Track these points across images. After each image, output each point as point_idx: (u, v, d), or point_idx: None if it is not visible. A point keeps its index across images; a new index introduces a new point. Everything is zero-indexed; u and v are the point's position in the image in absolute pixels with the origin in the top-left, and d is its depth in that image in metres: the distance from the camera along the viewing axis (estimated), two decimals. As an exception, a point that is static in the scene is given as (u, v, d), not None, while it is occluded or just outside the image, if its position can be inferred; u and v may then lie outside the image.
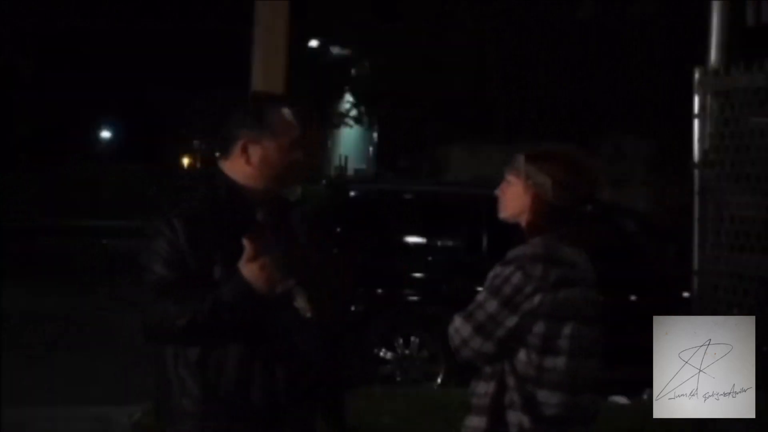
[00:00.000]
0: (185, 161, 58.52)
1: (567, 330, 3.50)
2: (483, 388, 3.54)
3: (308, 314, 3.49)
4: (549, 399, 3.48)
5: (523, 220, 3.61)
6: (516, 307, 3.46)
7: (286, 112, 3.63)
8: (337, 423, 3.77)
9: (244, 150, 3.58)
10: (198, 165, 56.24)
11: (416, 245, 10.46)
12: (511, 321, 3.46)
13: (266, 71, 7.75)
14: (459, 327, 3.52)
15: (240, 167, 3.60)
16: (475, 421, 3.54)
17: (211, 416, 3.51)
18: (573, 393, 3.51)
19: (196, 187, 3.69)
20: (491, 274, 3.54)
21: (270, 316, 3.51)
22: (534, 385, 3.48)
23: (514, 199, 3.63)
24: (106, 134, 60.75)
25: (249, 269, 3.42)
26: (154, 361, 3.64)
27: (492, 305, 3.48)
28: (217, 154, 3.76)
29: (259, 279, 3.42)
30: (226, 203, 3.59)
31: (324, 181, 12.57)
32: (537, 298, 3.46)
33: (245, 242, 3.41)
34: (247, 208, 3.59)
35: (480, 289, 3.57)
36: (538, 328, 3.47)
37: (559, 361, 3.49)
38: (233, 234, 3.51)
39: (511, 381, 3.49)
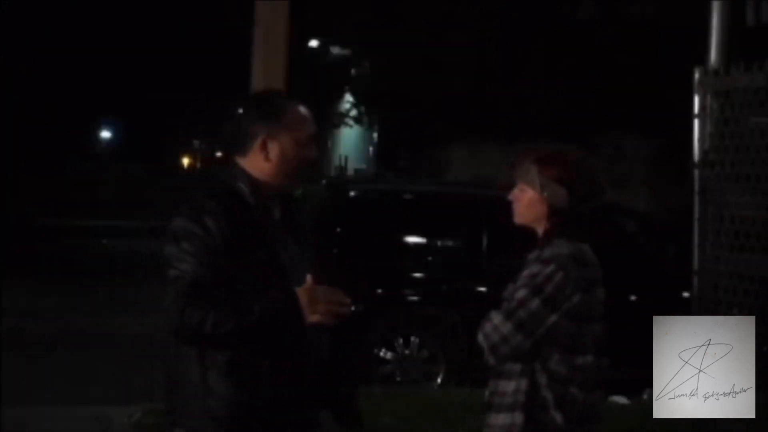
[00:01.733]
0: (185, 161, 58.53)
1: (593, 328, 3.60)
2: (510, 387, 3.58)
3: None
4: (578, 396, 3.56)
5: (540, 228, 3.66)
6: (557, 306, 3.52)
7: (301, 108, 3.65)
8: (352, 420, 3.80)
9: (263, 146, 3.60)
10: (198, 165, 56.25)
11: (416, 245, 10.45)
12: (551, 319, 3.53)
13: (266, 71, 7.74)
14: (498, 324, 3.54)
15: (258, 164, 3.61)
16: (507, 418, 3.58)
17: (235, 417, 3.52)
18: (591, 390, 3.60)
19: (215, 183, 3.70)
20: (527, 272, 3.57)
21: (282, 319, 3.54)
22: (565, 383, 3.55)
23: (529, 208, 3.67)
24: (106, 134, 60.75)
25: (302, 296, 3.47)
26: (165, 361, 3.64)
27: (534, 303, 3.52)
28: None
29: (311, 309, 3.47)
30: (248, 200, 3.61)
31: (324, 181, 12.58)
32: (576, 298, 3.54)
33: (309, 277, 3.48)
34: (266, 205, 3.62)
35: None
36: (572, 327, 3.55)
37: (588, 359, 3.58)
38: (256, 231, 3.54)
39: (542, 379, 3.55)
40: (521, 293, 3.55)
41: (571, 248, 3.59)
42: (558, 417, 3.53)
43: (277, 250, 3.59)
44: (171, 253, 3.51)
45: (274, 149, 3.60)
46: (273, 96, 3.76)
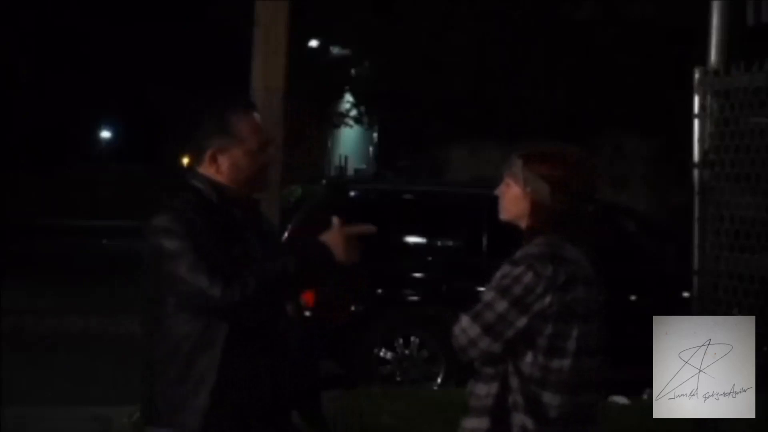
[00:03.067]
0: (185, 161, 58.49)
1: (574, 330, 3.46)
2: (483, 390, 3.50)
3: (293, 316, 3.61)
4: (553, 400, 3.44)
5: (523, 224, 3.60)
6: (527, 307, 3.41)
7: (252, 116, 3.70)
8: (318, 421, 3.80)
9: (214, 159, 3.66)
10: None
11: (416, 245, 10.45)
12: (521, 322, 3.42)
13: (266, 71, 7.75)
14: (466, 327, 3.45)
15: (211, 173, 3.68)
16: (475, 422, 3.50)
17: (221, 413, 3.53)
18: (576, 393, 3.48)
19: (181, 187, 3.73)
20: (498, 273, 3.49)
21: (272, 317, 3.58)
22: (538, 386, 3.43)
23: (513, 203, 3.61)
24: (106, 134, 60.69)
25: (334, 238, 3.58)
26: (147, 359, 3.66)
27: (502, 305, 3.42)
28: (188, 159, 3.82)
29: (340, 247, 3.58)
30: (213, 201, 3.65)
31: (324, 181, 12.58)
32: (548, 299, 3.42)
33: (335, 219, 3.60)
34: (228, 208, 3.67)
35: (481, 288, 3.55)
36: (547, 329, 3.43)
37: (566, 362, 3.45)
38: (226, 228, 3.59)
39: (514, 382, 3.44)
40: (488, 295, 3.46)
41: (547, 247, 3.49)
42: (528, 422, 3.41)
43: (250, 247, 3.63)
44: (166, 246, 3.53)
45: (224, 162, 3.66)
46: (222, 108, 3.77)
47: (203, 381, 3.52)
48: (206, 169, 3.68)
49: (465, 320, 3.47)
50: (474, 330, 3.44)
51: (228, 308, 3.47)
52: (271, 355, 3.55)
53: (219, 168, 3.65)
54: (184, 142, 3.89)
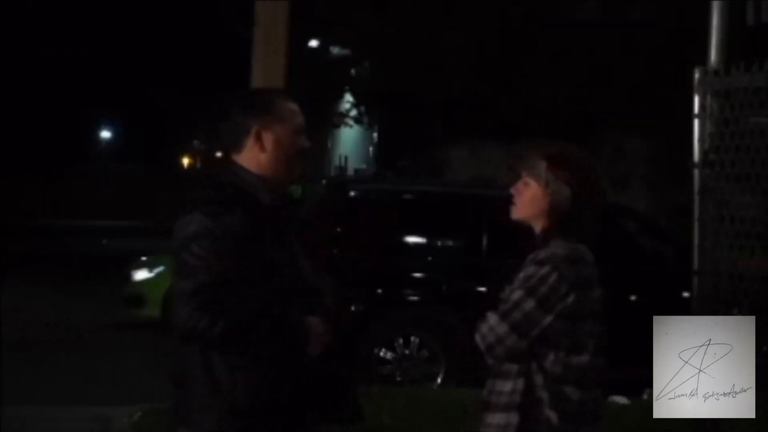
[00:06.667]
0: (185, 161, 58.51)
1: (588, 327, 3.59)
2: (508, 387, 3.59)
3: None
4: (573, 394, 3.56)
5: (538, 226, 3.67)
6: (552, 307, 3.54)
7: (290, 101, 3.73)
8: (353, 417, 3.83)
9: (258, 137, 3.65)
10: (198, 165, 56.25)
11: (416, 245, 10.45)
12: (547, 320, 3.54)
13: (266, 71, 7.76)
14: (494, 325, 3.56)
15: (255, 156, 3.66)
16: (502, 418, 3.59)
17: (242, 414, 3.55)
18: (589, 388, 3.60)
19: (218, 181, 3.71)
20: (523, 274, 3.58)
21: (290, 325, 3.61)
22: (560, 382, 3.56)
23: (531, 203, 3.67)
24: (106, 134, 60.73)
25: (317, 328, 3.62)
26: (175, 361, 3.65)
27: (529, 304, 3.54)
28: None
29: (317, 341, 3.62)
30: (251, 195, 3.64)
31: (324, 181, 12.57)
32: (571, 299, 3.55)
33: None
34: (275, 204, 3.69)
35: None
36: (567, 326, 3.56)
37: (583, 358, 3.58)
38: (260, 225, 3.58)
39: (539, 379, 3.56)
40: (516, 295, 3.57)
41: (567, 249, 3.59)
42: (553, 416, 3.54)
43: (293, 250, 3.66)
44: (185, 260, 3.52)
45: (268, 139, 3.65)
46: (261, 91, 3.79)
47: (224, 386, 3.53)
48: (249, 152, 3.66)
49: (493, 319, 3.57)
50: (502, 328, 3.55)
51: (207, 341, 3.51)
52: (295, 360, 3.57)
53: (263, 146, 3.64)
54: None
